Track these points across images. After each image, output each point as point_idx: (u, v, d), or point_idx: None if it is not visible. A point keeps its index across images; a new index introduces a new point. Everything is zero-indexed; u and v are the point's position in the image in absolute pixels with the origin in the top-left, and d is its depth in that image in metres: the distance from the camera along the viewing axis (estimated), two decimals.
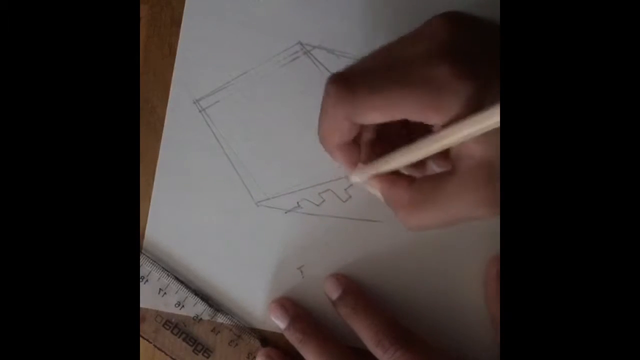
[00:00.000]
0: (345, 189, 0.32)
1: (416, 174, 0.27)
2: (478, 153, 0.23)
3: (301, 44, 0.33)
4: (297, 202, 0.32)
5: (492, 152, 0.22)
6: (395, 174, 0.26)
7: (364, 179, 0.28)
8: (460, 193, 0.24)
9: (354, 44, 0.33)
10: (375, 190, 0.28)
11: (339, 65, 0.33)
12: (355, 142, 0.27)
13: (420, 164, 0.27)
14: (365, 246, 0.32)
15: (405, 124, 0.25)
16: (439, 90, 0.22)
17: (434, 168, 0.27)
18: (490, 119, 0.21)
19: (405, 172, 0.27)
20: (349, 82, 0.24)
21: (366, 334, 0.29)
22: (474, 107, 0.22)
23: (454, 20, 0.24)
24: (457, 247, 0.32)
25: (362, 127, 0.26)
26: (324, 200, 0.32)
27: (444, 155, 0.25)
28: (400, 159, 0.25)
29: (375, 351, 0.28)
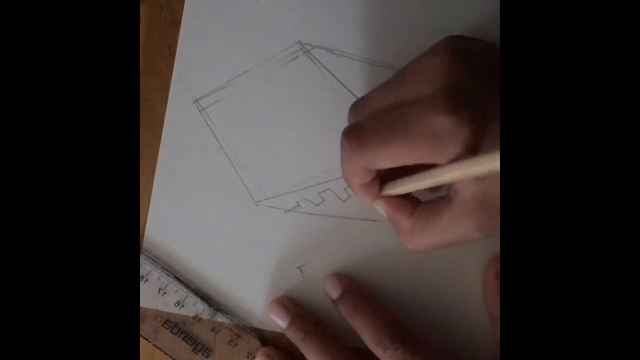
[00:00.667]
0: (345, 189, 0.32)
1: (423, 196, 0.29)
2: (472, 187, 0.25)
3: (301, 44, 0.33)
4: (297, 202, 0.33)
5: (486, 185, 0.25)
6: (402, 198, 0.28)
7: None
8: (455, 221, 0.26)
9: (354, 44, 0.33)
10: (382, 211, 0.29)
11: (339, 65, 0.33)
12: (377, 180, 0.28)
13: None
14: (365, 246, 0.32)
15: None
16: (441, 140, 0.24)
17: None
18: (484, 165, 0.22)
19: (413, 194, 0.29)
20: (360, 138, 0.26)
21: (367, 334, 0.29)
22: (472, 148, 0.24)
23: (455, 57, 0.25)
24: (457, 248, 0.32)
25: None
26: (324, 200, 0.32)
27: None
28: (407, 187, 0.27)
29: (376, 350, 0.28)
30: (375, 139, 0.26)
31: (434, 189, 0.30)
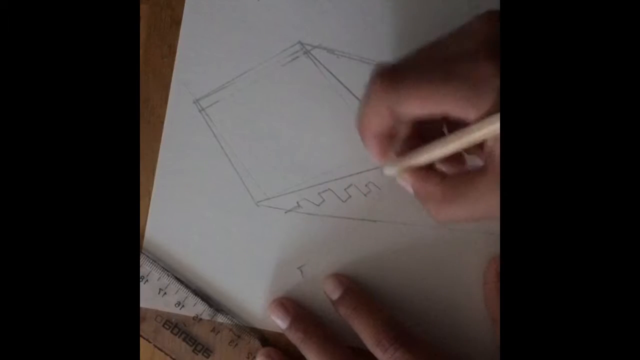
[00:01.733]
0: (345, 189, 0.32)
1: (449, 170, 0.28)
2: None
3: (301, 44, 0.33)
4: (297, 202, 0.33)
5: None
6: (428, 169, 0.27)
7: (396, 172, 0.28)
8: (490, 191, 0.24)
9: (354, 44, 0.33)
10: (407, 184, 0.28)
11: (339, 65, 0.33)
12: (390, 136, 0.28)
13: (454, 159, 0.28)
14: (365, 246, 0.32)
15: (439, 125, 0.27)
16: (478, 86, 0.23)
17: (467, 161, 0.28)
18: None
19: (439, 168, 0.28)
20: (395, 73, 0.25)
21: (366, 334, 0.29)
22: None
23: (493, 20, 0.25)
24: (457, 247, 0.32)
25: (399, 124, 0.27)
26: (324, 200, 0.32)
27: (477, 151, 0.26)
28: (434, 152, 0.26)
29: (375, 351, 0.28)
30: (411, 75, 0.25)
31: (459, 162, 0.29)
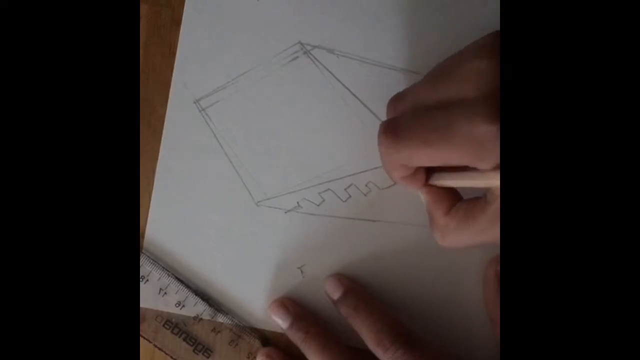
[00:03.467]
0: (345, 189, 0.32)
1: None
2: None
3: (301, 44, 0.33)
4: (297, 202, 0.33)
5: None
6: (443, 190, 0.28)
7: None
8: (490, 225, 0.26)
9: (354, 44, 0.33)
10: (423, 198, 0.29)
11: (339, 65, 0.33)
12: (420, 170, 0.28)
13: None
14: (365, 246, 0.32)
15: None
16: (483, 146, 0.23)
17: None
18: None
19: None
20: (397, 135, 0.26)
21: (367, 334, 0.29)
22: None
23: (494, 60, 0.24)
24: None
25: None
26: (324, 200, 0.32)
27: None
28: (449, 183, 0.28)
29: (376, 351, 0.28)
30: (414, 138, 0.25)
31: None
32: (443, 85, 0.25)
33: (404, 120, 0.26)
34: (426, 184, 0.29)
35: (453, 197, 0.28)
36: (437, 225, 0.28)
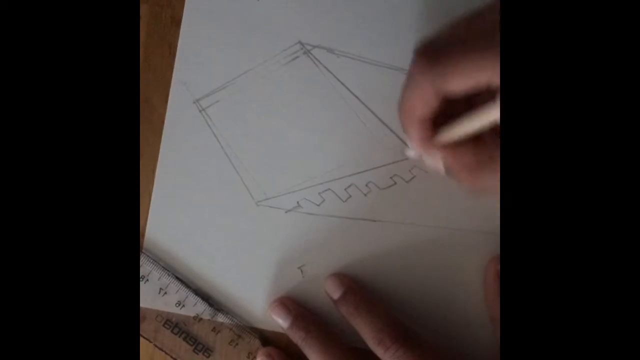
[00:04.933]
0: (345, 189, 0.32)
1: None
2: None
3: (301, 43, 0.33)
4: (297, 202, 0.33)
5: None
6: (457, 143, 0.27)
7: (419, 154, 0.28)
8: None
9: (354, 44, 0.33)
10: (436, 161, 0.28)
11: (339, 65, 0.33)
12: (432, 121, 0.27)
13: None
14: (365, 246, 0.32)
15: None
16: None
17: None
18: None
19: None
20: (437, 51, 0.24)
21: (367, 333, 0.29)
22: None
23: None
24: (457, 247, 0.32)
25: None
26: (324, 200, 0.32)
27: None
28: (464, 128, 0.26)
29: (377, 350, 0.28)
30: (455, 49, 0.24)
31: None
32: (478, 15, 0.25)
33: (443, 38, 0.25)
34: (434, 147, 0.27)
35: (471, 140, 0.27)
36: (466, 165, 0.26)
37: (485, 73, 0.23)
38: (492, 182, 0.26)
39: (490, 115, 0.24)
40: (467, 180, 0.27)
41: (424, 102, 0.26)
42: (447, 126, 0.27)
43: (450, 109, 0.27)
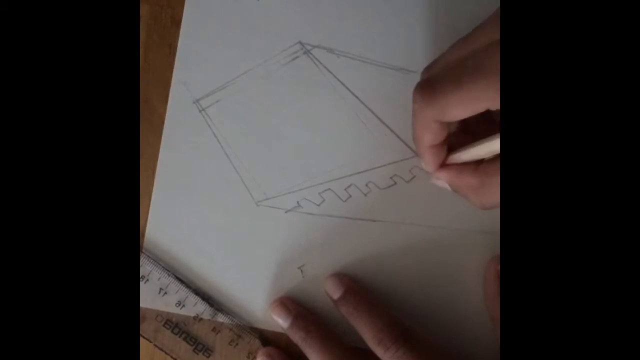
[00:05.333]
0: (345, 189, 0.32)
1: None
2: None
3: (301, 43, 0.33)
4: (297, 202, 0.33)
5: None
6: (460, 164, 0.29)
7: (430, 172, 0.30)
8: None
9: (354, 44, 0.33)
10: (442, 182, 0.29)
11: (339, 65, 0.33)
12: (444, 144, 0.29)
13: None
14: (365, 246, 0.32)
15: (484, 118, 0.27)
16: None
17: None
18: None
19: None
20: (432, 87, 0.26)
21: (367, 333, 0.29)
22: None
23: None
24: (457, 247, 0.32)
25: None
26: (324, 200, 0.32)
27: None
28: (472, 153, 0.27)
29: (377, 350, 0.28)
30: (447, 84, 0.25)
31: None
32: (474, 38, 0.26)
33: (439, 74, 0.26)
34: (445, 165, 0.29)
35: (471, 164, 0.28)
36: (471, 186, 0.28)
37: (479, 102, 0.25)
38: (496, 200, 0.27)
39: (491, 146, 0.26)
40: (475, 200, 0.28)
41: (430, 132, 0.27)
42: (456, 153, 0.28)
43: (465, 125, 0.28)
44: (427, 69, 0.28)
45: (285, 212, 0.33)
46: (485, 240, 0.32)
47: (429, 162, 0.29)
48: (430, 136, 0.28)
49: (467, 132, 0.30)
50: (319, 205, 0.32)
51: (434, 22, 0.33)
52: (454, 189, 0.29)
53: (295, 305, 0.31)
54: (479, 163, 0.28)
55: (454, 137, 0.29)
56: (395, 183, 0.32)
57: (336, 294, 0.31)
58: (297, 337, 0.30)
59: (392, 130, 0.33)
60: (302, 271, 0.32)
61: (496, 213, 0.31)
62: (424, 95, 0.26)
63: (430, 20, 0.33)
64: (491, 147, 0.26)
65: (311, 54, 0.33)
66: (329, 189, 0.33)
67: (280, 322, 0.31)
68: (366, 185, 0.32)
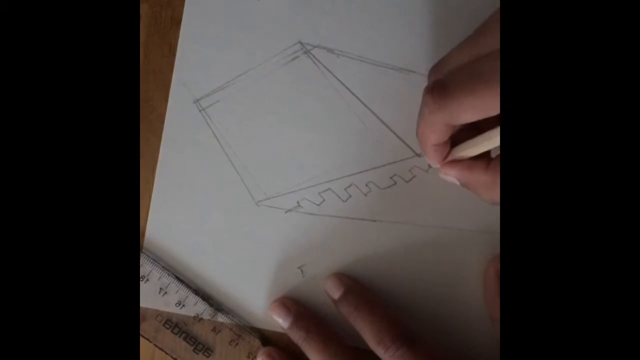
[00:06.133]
0: (345, 189, 0.32)
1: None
2: None
3: (301, 43, 0.33)
4: (297, 202, 0.33)
5: None
6: (471, 158, 0.28)
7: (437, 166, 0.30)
8: None
9: (354, 44, 0.33)
10: (452, 178, 0.29)
11: (339, 64, 0.33)
12: (448, 141, 0.29)
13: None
14: (365, 246, 0.32)
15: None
16: None
17: None
18: None
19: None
20: (444, 91, 0.26)
21: (368, 333, 0.29)
22: None
23: None
24: (457, 247, 0.32)
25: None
26: (324, 200, 0.32)
27: None
28: (478, 147, 0.27)
29: (377, 349, 0.28)
30: (459, 89, 0.25)
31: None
32: (482, 40, 0.26)
33: (450, 77, 0.26)
34: (454, 161, 0.29)
35: (485, 158, 0.28)
36: (482, 183, 0.28)
37: (491, 107, 0.24)
38: None
39: (492, 139, 0.26)
40: (485, 196, 0.28)
41: (437, 133, 0.27)
42: (460, 146, 0.28)
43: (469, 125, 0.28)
44: (435, 70, 0.28)
45: (285, 212, 0.33)
46: (485, 240, 0.32)
47: (432, 158, 0.29)
48: (436, 136, 0.28)
49: (470, 127, 0.29)
50: (319, 205, 0.32)
51: (434, 22, 0.33)
52: (463, 184, 0.29)
53: (296, 305, 0.31)
54: (489, 160, 0.28)
55: (456, 132, 0.29)
56: (395, 183, 0.32)
57: (336, 294, 0.31)
58: (298, 337, 0.30)
59: (392, 130, 0.33)
60: (302, 271, 0.32)
61: (496, 213, 0.31)
62: (436, 99, 0.26)
63: (430, 20, 0.33)
64: (492, 140, 0.26)
65: (311, 54, 0.33)
66: (329, 189, 0.33)
67: (280, 322, 0.31)
68: (366, 185, 0.32)
